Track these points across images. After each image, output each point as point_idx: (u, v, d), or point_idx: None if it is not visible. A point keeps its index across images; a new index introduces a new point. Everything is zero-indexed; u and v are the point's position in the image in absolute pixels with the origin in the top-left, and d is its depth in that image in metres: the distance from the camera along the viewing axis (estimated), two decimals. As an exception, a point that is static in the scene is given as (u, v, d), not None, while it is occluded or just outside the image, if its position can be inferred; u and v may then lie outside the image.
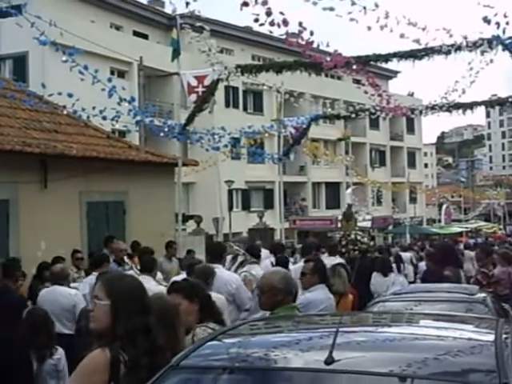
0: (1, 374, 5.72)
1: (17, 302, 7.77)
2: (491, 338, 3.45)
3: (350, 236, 20.02)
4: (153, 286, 8.61)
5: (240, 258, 12.78)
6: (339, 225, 38.88)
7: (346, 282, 9.39)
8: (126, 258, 12.99)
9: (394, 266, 14.92)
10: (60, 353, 6.81)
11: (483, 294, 8.76)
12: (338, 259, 12.87)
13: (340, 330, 3.37)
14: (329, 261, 11.09)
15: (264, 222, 37.46)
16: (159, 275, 10.66)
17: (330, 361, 3.06)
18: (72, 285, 10.01)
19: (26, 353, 6.36)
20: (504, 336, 3.49)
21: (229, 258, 12.45)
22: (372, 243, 24.98)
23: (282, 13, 9.51)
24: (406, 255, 22.17)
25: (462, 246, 28.28)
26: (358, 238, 20.09)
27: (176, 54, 17.42)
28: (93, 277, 9.21)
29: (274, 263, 12.09)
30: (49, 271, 10.13)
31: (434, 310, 6.91)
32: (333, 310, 7.55)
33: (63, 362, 6.78)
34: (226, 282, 8.58)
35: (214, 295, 6.65)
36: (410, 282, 16.97)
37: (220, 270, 8.74)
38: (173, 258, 14.86)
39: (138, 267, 11.06)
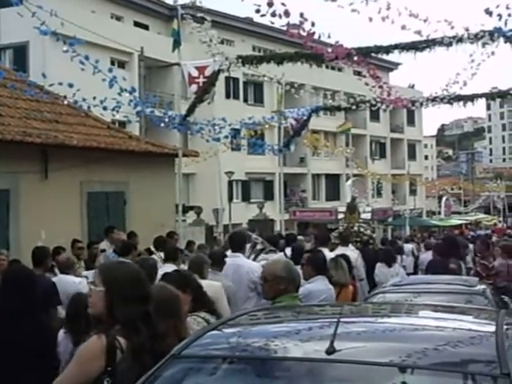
0: (38, 357, 5.86)
1: (51, 289, 8.12)
2: (492, 328, 3.46)
3: (354, 228, 20.11)
4: None
5: (259, 247, 13.24)
6: (339, 216, 39.06)
7: (346, 274, 9.41)
8: (152, 248, 13.06)
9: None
10: None
11: (483, 286, 8.79)
12: (350, 249, 13.40)
13: (341, 320, 3.38)
14: (342, 251, 11.91)
15: (264, 213, 37.45)
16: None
17: (331, 351, 3.07)
18: (84, 273, 10.16)
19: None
20: (505, 327, 3.50)
21: (247, 246, 12.56)
22: (375, 235, 25.14)
23: (283, 4, 9.49)
24: (407, 246, 22.30)
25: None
26: (362, 230, 20.19)
27: (176, 44, 17.38)
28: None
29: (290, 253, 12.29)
30: (54, 261, 10.18)
31: (434, 301, 6.92)
32: (333, 301, 7.57)
33: None
34: (249, 270, 8.78)
35: (207, 283, 6.87)
36: (410, 274, 17.05)
37: (241, 259, 9.23)
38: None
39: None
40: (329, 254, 10.71)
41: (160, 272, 7.94)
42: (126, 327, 4.02)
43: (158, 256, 11.57)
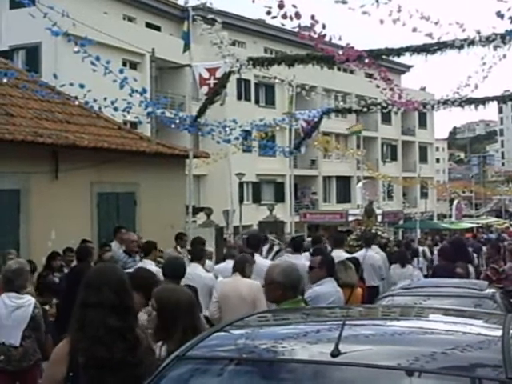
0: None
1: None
2: (498, 333, 3.44)
3: (371, 231, 20.28)
4: (202, 272, 10.09)
5: (276, 248, 15.14)
6: (349, 219, 38.97)
7: (355, 275, 9.38)
8: (178, 248, 13.80)
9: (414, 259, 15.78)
10: None
11: (492, 290, 8.75)
12: (374, 250, 14.54)
13: (347, 322, 3.37)
14: (366, 253, 13.08)
15: (274, 215, 37.33)
16: (208, 263, 11.65)
17: (336, 353, 3.06)
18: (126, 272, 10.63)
19: None
20: (512, 331, 3.48)
21: (265, 248, 14.13)
22: (392, 238, 25.35)
23: (294, 6, 9.49)
24: (420, 249, 22.34)
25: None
26: (379, 232, 20.38)
27: (186, 47, 17.42)
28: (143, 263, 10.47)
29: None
30: (99, 258, 11.21)
31: (443, 304, 6.89)
32: (341, 303, 7.55)
33: None
34: (264, 267, 8.89)
35: (248, 282, 8.29)
36: (425, 276, 17.11)
37: (258, 258, 10.11)
38: (183, 249, 14.87)
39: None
40: (344, 255, 11.64)
41: (188, 270, 8.95)
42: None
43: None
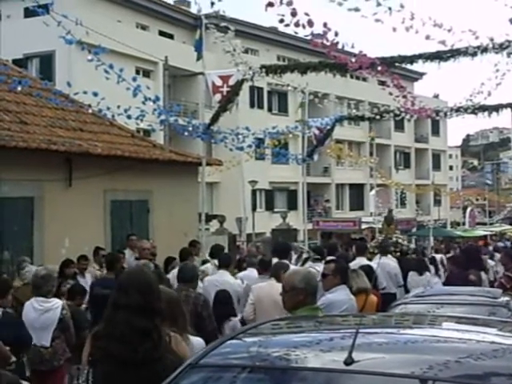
0: None
1: None
2: (513, 341, 3.42)
3: (392, 239, 20.46)
4: (230, 279, 10.43)
5: (304, 255, 15.61)
6: (362, 226, 38.91)
7: (367, 281, 9.34)
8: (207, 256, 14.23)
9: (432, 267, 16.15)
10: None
11: (506, 298, 8.69)
12: (389, 258, 14.84)
13: (360, 330, 3.35)
14: (382, 260, 13.51)
15: (287, 222, 37.35)
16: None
17: (349, 361, 3.05)
18: None
19: None
20: (526, 340, 3.46)
21: (294, 256, 14.93)
22: (412, 245, 25.48)
23: (307, 14, 9.48)
24: (438, 257, 22.26)
25: (491, 248, 28.21)
26: (399, 240, 20.54)
27: (199, 55, 17.47)
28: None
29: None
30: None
31: (456, 312, 6.86)
32: (354, 311, 7.52)
33: None
34: None
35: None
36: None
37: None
38: (195, 257, 14.89)
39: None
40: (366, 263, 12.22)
41: (216, 277, 10.26)
42: None
43: (213, 263, 12.26)
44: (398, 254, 18.85)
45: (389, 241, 19.92)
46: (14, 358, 6.71)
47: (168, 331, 4.69)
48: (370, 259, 14.19)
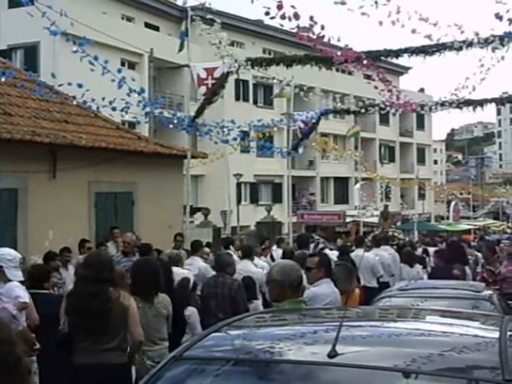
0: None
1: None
2: (496, 334, 3.43)
3: (388, 233, 21.03)
4: (252, 267, 11.69)
5: (321, 245, 17.49)
6: (347, 219, 38.95)
7: (354, 282, 9.35)
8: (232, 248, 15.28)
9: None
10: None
11: (489, 292, 8.75)
12: (382, 249, 15.75)
13: (344, 324, 3.36)
14: (375, 252, 15.27)
15: (272, 215, 37.30)
16: (202, 264, 12.47)
17: (333, 354, 3.06)
18: (184, 267, 11.48)
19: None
20: (509, 333, 3.48)
21: (312, 245, 16.70)
22: (407, 239, 25.79)
23: (293, 6, 9.49)
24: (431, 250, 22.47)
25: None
26: (396, 234, 21.06)
27: (181, 46, 17.44)
28: (195, 261, 12.40)
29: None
30: (163, 254, 11.99)
31: (440, 306, 6.90)
32: (338, 304, 7.54)
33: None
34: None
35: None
36: None
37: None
38: (180, 249, 14.87)
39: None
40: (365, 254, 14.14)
41: (240, 267, 11.12)
42: None
43: (236, 254, 13.50)
44: (395, 247, 19.18)
45: (384, 235, 20.45)
46: (38, 345, 6.96)
47: (120, 291, 6.63)
48: (367, 251, 15.43)
